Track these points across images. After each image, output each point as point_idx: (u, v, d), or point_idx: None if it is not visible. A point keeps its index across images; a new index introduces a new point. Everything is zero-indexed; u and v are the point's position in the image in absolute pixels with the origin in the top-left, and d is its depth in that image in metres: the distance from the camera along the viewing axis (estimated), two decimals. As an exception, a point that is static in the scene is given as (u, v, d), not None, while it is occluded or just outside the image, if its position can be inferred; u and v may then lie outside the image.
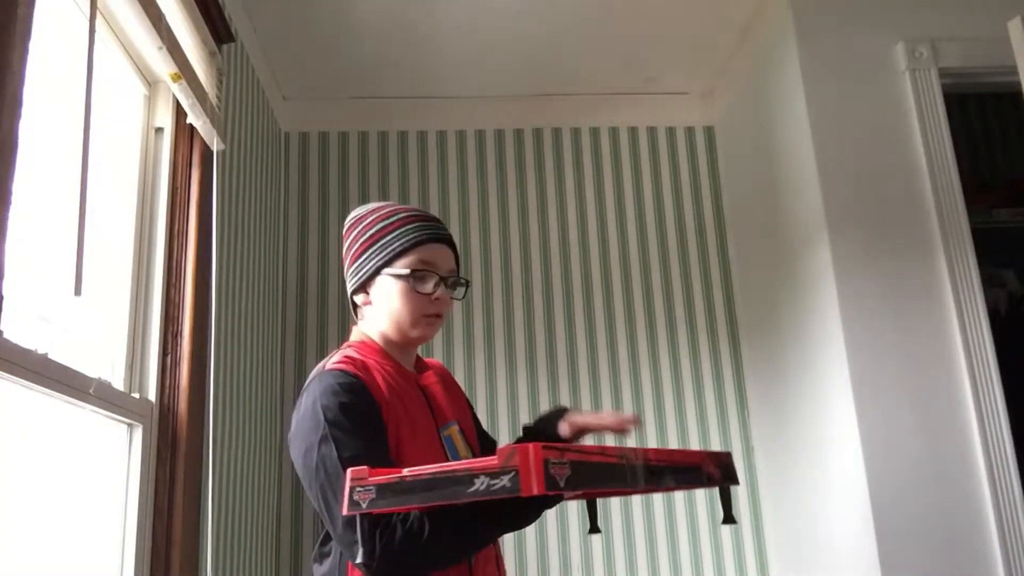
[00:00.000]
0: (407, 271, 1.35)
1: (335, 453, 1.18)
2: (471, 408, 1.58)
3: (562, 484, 0.93)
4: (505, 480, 0.92)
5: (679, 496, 2.81)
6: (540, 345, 2.92)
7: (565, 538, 2.75)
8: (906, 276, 2.22)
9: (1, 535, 1.27)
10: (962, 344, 2.15)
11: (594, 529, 1.49)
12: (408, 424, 1.29)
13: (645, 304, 2.99)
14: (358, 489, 1.01)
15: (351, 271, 1.42)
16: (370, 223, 1.41)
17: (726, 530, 2.79)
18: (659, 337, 2.96)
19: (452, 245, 1.43)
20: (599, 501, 1.58)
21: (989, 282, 2.72)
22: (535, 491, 0.91)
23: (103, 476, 1.63)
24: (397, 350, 1.41)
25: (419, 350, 1.51)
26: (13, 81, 1.18)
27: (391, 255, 1.37)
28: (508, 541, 2.72)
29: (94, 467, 1.60)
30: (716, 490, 1.28)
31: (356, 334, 1.43)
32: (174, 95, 1.90)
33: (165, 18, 1.74)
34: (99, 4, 1.55)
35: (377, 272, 1.38)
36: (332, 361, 1.32)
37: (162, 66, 1.77)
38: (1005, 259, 3.01)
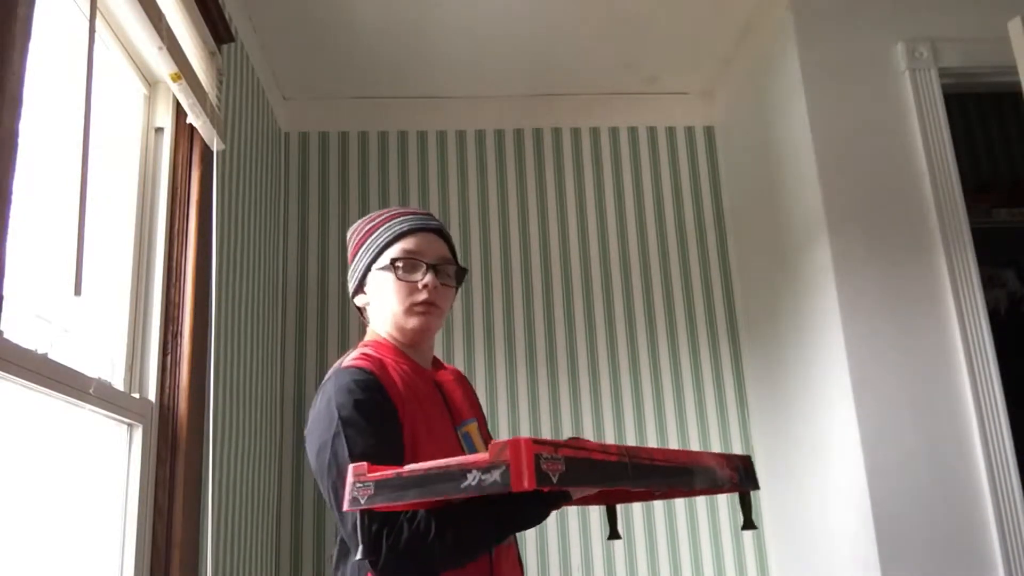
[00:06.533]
0: (389, 261, 1.37)
1: (346, 451, 1.18)
2: (484, 417, 1.57)
3: (555, 480, 0.92)
4: (496, 475, 0.91)
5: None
6: (540, 345, 2.92)
7: (565, 538, 2.75)
8: (906, 276, 2.22)
9: (1, 535, 1.27)
10: (962, 344, 2.15)
11: (614, 535, 1.47)
12: (424, 421, 1.29)
13: (645, 304, 2.99)
14: (358, 485, 1.02)
15: (349, 275, 1.46)
16: (361, 227, 1.45)
17: (726, 530, 2.79)
18: (659, 337, 2.96)
19: (442, 234, 1.43)
20: (619, 507, 1.55)
21: (989, 282, 2.73)
22: (526, 486, 0.90)
23: (103, 476, 1.63)
24: (410, 348, 1.41)
25: (437, 352, 1.51)
26: (13, 80, 1.18)
27: (377, 250, 1.40)
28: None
29: (94, 467, 1.60)
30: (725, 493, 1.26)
31: (370, 334, 1.44)
32: (174, 95, 1.90)
33: (165, 18, 1.74)
34: (99, 4, 1.55)
35: (368, 270, 1.41)
36: (349, 358, 1.33)
37: (162, 66, 1.77)
38: (1005, 259, 3.01)
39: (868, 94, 2.36)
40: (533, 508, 1.16)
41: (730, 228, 3.07)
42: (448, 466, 0.96)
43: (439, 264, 1.38)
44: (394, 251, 1.38)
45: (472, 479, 0.93)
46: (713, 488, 1.19)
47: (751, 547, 2.79)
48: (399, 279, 1.36)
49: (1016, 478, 2.06)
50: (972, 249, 2.22)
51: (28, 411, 1.35)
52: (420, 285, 1.36)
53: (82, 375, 1.46)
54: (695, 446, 2.87)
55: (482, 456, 0.94)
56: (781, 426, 2.64)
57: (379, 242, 1.40)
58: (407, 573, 1.15)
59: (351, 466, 1.05)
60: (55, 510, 1.45)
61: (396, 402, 1.27)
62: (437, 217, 1.48)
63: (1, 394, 1.25)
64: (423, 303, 1.36)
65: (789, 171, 2.50)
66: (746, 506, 1.26)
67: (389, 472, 1.00)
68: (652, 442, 2.85)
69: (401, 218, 1.41)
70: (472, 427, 1.39)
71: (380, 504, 1.00)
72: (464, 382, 1.53)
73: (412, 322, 1.37)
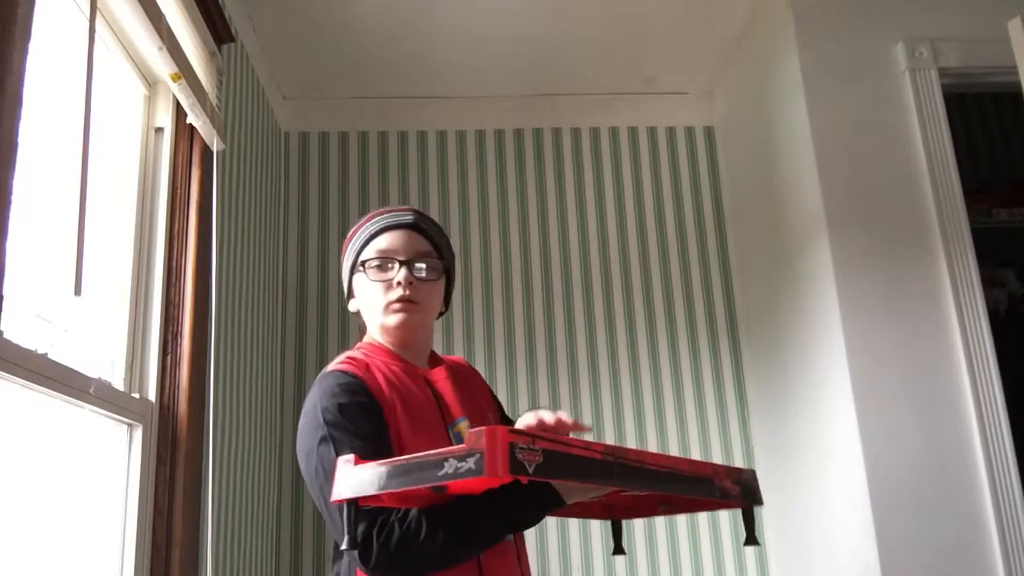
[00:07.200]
0: (362, 263, 1.38)
1: (333, 454, 1.18)
2: (496, 403, 1.55)
3: (531, 470, 0.93)
4: (471, 463, 0.93)
5: (679, 496, 2.81)
6: (540, 345, 2.92)
7: (565, 542, 2.75)
8: (906, 276, 2.22)
9: (1, 535, 1.27)
10: (962, 344, 2.15)
11: (618, 551, 1.46)
12: (410, 423, 1.28)
13: (645, 304, 2.99)
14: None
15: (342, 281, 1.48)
16: (349, 234, 1.46)
17: (726, 529, 2.79)
18: (659, 337, 2.96)
19: (420, 228, 1.41)
20: (623, 523, 1.55)
21: (989, 282, 2.72)
22: (499, 474, 0.91)
23: (103, 476, 1.63)
24: (400, 348, 1.40)
25: (435, 346, 1.51)
26: (13, 81, 1.18)
27: (355, 254, 1.41)
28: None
29: (94, 467, 1.60)
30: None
31: (366, 337, 1.44)
32: (174, 95, 1.90)
33: (165, 18, 1.74)
34: (99, 4, 1.55)
35: (352, 275, 1.42)
36: (334, 363, 1.34)
37: (162, 66, 1.77)
38: (1005, 259, 3.01)
39: (868, 94, 2.36)
40: (527, 508, 1.15)
41: (730, 228, 3.07)
42: (428, 456, 0.98)
43: (414, 259, 1.37)
44: (367, 252, 1.39)
45: (449, 467, 0.95)
46: (711, 500, 1.18)
47: (751, 546, 2.79)
48: (372, 280, 1.37)
49: (1016, 478, 2.06)
50: (972, 249, 2.22)
51: (28, 411, 1.35)
52: (395, 283, 1.35)
53: (82, 375, 1.46)
54: (695, 446, 2.87)
55: (461, 446, 0.96)
56: (781, 426, 2.64)
57: (356, 246, 1.41)
58: (398, 572, 1.15)
59: (339, 459, 1.06)
60: (55, 510, 1.45)
61: (381, 404, 1.27)
62: (421, 211, 1.45)
63: (1, 394, 1.25)
64: (399, 300, 1.35)
65: (789, 171, 2.50)
66: (749, 522, 1.24)
67: (371, 465, 1.02)
68: (652, 441, 2.85)
69: (376, 219, 1.42)
70: (463, 426, 1.36)
71: (363, 493, 1.02)
72: (463, 375, 1.50)
73: (391, 320, 1.36)
